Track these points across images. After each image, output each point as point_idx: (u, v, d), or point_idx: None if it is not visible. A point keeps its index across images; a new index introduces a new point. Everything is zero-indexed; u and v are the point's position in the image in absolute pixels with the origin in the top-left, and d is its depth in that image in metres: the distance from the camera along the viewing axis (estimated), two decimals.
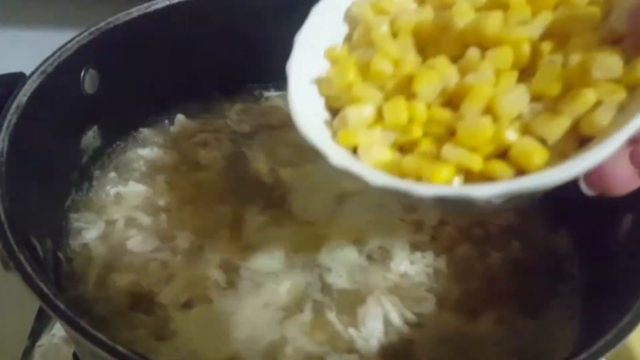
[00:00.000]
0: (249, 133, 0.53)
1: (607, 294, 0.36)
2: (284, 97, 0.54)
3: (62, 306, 0.26)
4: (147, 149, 0.51)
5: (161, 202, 0.47)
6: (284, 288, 0.41)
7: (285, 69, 0.29)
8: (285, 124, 0.54)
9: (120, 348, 0.25)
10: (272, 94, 0.57)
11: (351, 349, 0.38)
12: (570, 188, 0.44)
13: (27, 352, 0.46)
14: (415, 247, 0.44)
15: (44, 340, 0.47)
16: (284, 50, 0.29)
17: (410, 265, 0.43)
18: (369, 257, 0.43)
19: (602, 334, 0.28)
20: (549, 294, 0.42)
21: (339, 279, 0.42)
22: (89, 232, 0.44)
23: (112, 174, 0.49)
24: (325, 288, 0.41)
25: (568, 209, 0.46)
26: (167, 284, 0.41)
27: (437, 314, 0.40)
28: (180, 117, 0.54)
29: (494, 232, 0.46)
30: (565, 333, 0.38)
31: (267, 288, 0.41)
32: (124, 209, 0.46)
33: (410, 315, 0.40)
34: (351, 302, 0.41)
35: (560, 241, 0.46)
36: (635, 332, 0.46)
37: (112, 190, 0.48)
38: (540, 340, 0.39)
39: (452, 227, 0.45)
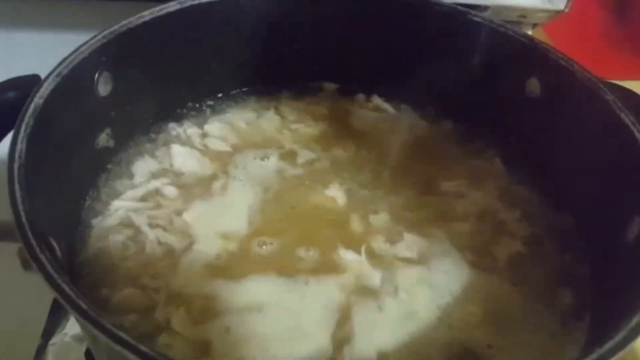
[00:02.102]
0: None
1: (616, 297, 0.36)
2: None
3: (84, 305, 0.27)
4: (160, 151, 0.51)
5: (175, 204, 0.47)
6: None
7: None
8: None
9: (142, 347, 0.25)
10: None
11: None
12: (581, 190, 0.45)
13: (40, 351, 0.47)
14: None
15: (56, 339, 0.48)
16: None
17: None
18: None
19: (610, 336, 0.29)
20: (560, 297, 0.43)
21: None
22: (103, 232, 0.45)
23: (126, 176, 0.49)
24: None
25: (579, 209, 0.46)
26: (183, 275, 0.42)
27: None
28: (191, 121, 0.54)
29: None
30: (574, 335, 0.39)
31: None
32: (138, 207, 0.47)
33: None
34: None
35: (572, 244, 0.46)
36: None
37: (126, 192, 0.48)
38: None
39: None
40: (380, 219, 0.48)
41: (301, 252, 0.44)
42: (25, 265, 0.29)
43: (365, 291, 0.42)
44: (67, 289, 0.27)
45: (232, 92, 0.57)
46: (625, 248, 0.39)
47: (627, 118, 0.41)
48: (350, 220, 0.47)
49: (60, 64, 0.41)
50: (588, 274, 0.43)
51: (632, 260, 0.38)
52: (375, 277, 0.43)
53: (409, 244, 0.45)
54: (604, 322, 0.33)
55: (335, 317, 0.40)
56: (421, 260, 0.44)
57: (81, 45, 0.43)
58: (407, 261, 0.44)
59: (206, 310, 0.40)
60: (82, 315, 0.27)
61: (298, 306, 0.41)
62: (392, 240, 0.46)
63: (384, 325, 0.40)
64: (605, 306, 0.37)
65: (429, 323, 0.40)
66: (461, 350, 0.39)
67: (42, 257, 0.29)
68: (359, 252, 0.44)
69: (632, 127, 0.41)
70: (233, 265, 0.43)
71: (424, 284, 0.43)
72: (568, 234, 0.47)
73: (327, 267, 0.43)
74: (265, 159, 0.52)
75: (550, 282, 0.44)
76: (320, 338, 0.39)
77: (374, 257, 0.44)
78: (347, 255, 0.44)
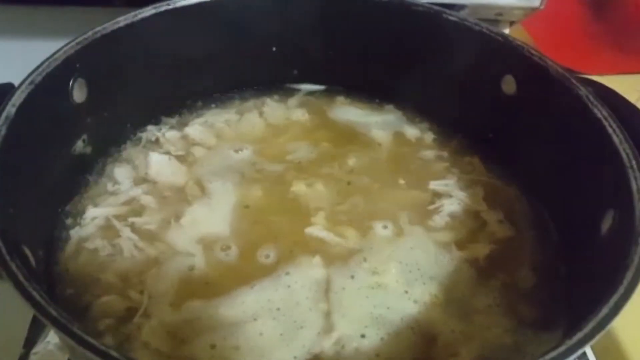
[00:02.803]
0: None
1: (589, 289, 0.37)
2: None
3: (54, 312, 0.27)
4: (138, 158, 0.51)
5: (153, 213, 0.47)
6: None
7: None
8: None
9: (113, 352, 0.25)
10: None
11: None
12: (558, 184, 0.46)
13: None
14: None
15: (39, 348, 0.47)
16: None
17: None
18: None
19: (582, 326, 0.29)
20: (534, 286, 0.43)
21: None
22: (81, 240, 0.45)
23: (105, 184, 0.49)
24: None
25: (555, 204, 0.47)
26: (159, 288, 0.41)
27: None
28: (169, 125, 0.54)
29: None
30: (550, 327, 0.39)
31: None
32: (115, 214, 0.47)
33: None
34: None
35: (547, 235, 0.47)
36: (619, 321, 0.48)
37: (104, 197, 0.48)
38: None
39: None
40: (357, 202, 0.49)
41: (268, 250, 0.45)
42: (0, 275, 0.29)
43: (339, 261, 0.44)
44: (36, 295, 0.27)
45: (213, 95, 0.58)
46: (599, 241, 0.39)
47: (599, 112, 0.42)
48: (324, 206, 0.48)
49: (33, 71, 0.41)
50: (563, 268, 0.44)
51: (605, 252, 0.38)
52: (349, 250, 0.45)
53: (384, 224, 0.47)
54: (578, 313, 0.33)
55: (322, 293, 0.42)
56: (394, 239, 0.46)
57: (55, 52, 0.43)
58: (381, 238, 0.46)
59: (190, 329, 0.39)
60: (53, 322, 0.27)
61: (287, 301, 0.41)
62: (366, 220, 0.47)
63: (354, 291, 0.42)
64: (579, 299, 0.38)
65: (396, 295, 0.42)
66: (426, 331, 0.40)
67: (12, 266, 0.29)
68: (331, 230, 0.46)
69: (604, 121, 0.41)
70: (215, 275, 0.43)
71: (394, 259, 0.44)
72: (543, 228, 0.47)
73: (302, 249, 0.45)
74: (239, 152, 0.53)
75: (523, 276, 0.44)
76: (316, 321, 0.40)
77: (346, 231, 0.46)
78: (318, 234, 0.45)
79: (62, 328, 0.26)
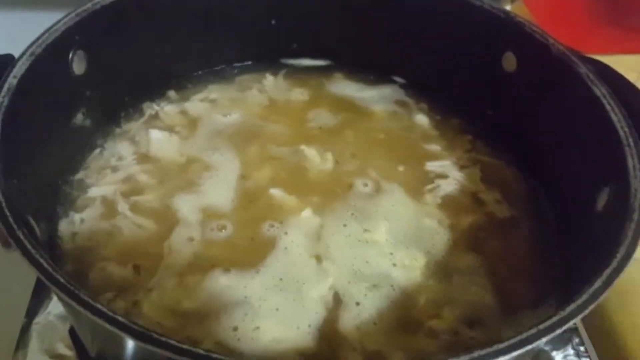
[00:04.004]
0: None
1: (582, 264, 0.37)
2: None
3: (62, 280, 0.27)
4: (138, 134, 0.51)
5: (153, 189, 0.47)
6: None
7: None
8: None
9: (120, 317, 0.26)
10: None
11: None
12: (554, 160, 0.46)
13: (24, 330, 0.47)
14: None
15: (40, 318, 0.48)
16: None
17: None
18: None
19: (575, 298, 0.30)
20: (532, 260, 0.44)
21: None
22: (82, 212, 0.45)
23: (106, 159, 0.49)
24: None
25: (552, 181, 0.48)
26: (159, 260, 0.42)
27: None
28: (169, 100, 0.54)
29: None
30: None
31: None
32: (116, 190, 0.47)
33: None
34: None
35: (543, 214, 0.48)
36: (608, 295, 0.49)
37: (105, 172, 0.48)
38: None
39: None
40: (353, 165, 0.50)
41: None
42: (4, 244, 0.29)
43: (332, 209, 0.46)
44: (45, 264, 0.28)
45: (213, 69, 0.57)
46: (595, 218, 0.40)
47: (598, 90, 0.42)
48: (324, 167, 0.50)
49: (33, 43, 0.41)
50: (558, 245, 0.44)
51: (600, 229, 0.39)
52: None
53: (374, 181, 0.49)
54: (571, 290, 0.34)
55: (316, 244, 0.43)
56: (383, 198, 0.47)
57: (55, 24, 0.43)
58: (369, 196, 0.47)
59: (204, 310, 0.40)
60: (62, 289, 0.27)
61: (287, 266, 0.42)
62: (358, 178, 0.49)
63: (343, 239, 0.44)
64: (573, 275, 0.38)
65: (379, 252, 0.43)
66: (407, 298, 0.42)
67: (20, 234, 0.29)
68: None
69: (602, 99, 0.42)
70: (217, 250, 0.44)
71: (383, 217, 0.46)
72: (540, 207, 0.48)
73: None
74: (228, 115, 0.53)
75: (518, 253, 0.45)
76: (313, 273, 0.42)
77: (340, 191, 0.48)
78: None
79: (69, 294, 0.27)
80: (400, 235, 0.45)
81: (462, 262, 0.44)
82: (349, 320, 0.40)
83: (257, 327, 0.39)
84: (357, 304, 0.41)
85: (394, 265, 0.43)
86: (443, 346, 0.39)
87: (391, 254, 0.44)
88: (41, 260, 0.28)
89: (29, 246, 0.29)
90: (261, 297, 0.40)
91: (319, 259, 0.43)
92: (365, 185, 0.49)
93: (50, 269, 0.28)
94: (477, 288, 0.43)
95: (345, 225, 0.45)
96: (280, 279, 0.41)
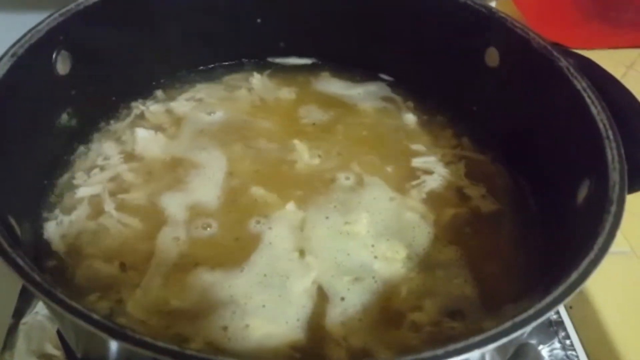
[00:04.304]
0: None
1: (562, 256, 0.38)
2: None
3: (38, 278, 0.27)
4: (124, 133, 0.51)
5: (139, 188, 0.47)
6: None
7: None
8: None
9: (96, 316, 0.26)
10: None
11: None
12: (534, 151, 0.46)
13: (12, 330, 0.47)
14: None
15: (27, 318, 0.48)
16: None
17: None
18: None
19: (551, 290, 0.30)
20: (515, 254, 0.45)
21: None
22: (68, 212, 0.45)
23: (92, 159, 0.49)
24: None
25: (534, 175, 0.48)
26: (146, 258, 0.42)
27: None
28: (155, 99, 0.55)
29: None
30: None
31: None
32: (103, 189, 0.47)
33: None
34: None
35: (527, 208, 0.48)
36: (594, 287, 0.49)
37: (91, 172, 0.48)
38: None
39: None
40: (337, 160, 0.51)
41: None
42: None
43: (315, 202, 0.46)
44: (21, 262, 0.28)
45: (198, 68, 0.58)
46: (575, 210, 0.40)
47: (579, 84, 0.42)
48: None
49: (15, 43, 0.41)
50: (541, 239, 0.45)
51: (581, 221, 0.39)
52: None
53: (357, 175, 0.49)
54: (552, 277, 0.34)
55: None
56: (366, 192, 0.48)
57: (37, 24, 0.43)
58: (351, 189, 0.48)
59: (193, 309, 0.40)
60: (38, 289, 0.27)
61: (270, 260, 0.42)
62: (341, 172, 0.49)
63: (325, 231, 0.44)
64: (553, 267, 0.39)
65: (360, 244, 0.44)
66: (389, 290, 0.42)
67: None
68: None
69: (583, 92, 0.42)
70: (203, 249, 0.44)
71: (364, 210, 0.46)
72: (523, 201, 0.48)
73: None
74: (214, 114, 0.53)
75: (502, 246, 0.46)
76: (296, 267, 0.42)
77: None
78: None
79: (47, 294, 0.27)
80: (381, 228, 0.45)
81: (444, 255, 0.45)
82: (335, 316, 0.40)
83: (247, 325, 0.39)
84: (342, 299, 0.41)
85: (375, 257, 0.44)
86: (425, 339, 0.39)
87: (372, 245, 0.44)
88: (18, 259, 0.28)
89: (5, 245, 0.29)
90: (247, 295, 0.40)
91: (302, 252, 0.43)
92: (347, 178, 0.49)
93: (27, 268, 0.28)
94: (459, 281, 0.43)
95: (327, 218, 0.46)
96: (265, 275, 0.42)
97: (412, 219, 0.46)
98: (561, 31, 0.79)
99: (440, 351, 0.27)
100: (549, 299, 0.29)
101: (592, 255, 0.32)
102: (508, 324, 0.28)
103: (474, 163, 0.52)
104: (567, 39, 0.75)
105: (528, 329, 0.29)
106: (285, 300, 0.40)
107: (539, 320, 0.29)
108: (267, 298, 0.40)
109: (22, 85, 0.41)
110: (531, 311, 0.29)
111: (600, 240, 0.33)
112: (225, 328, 0.39)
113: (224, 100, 0.55)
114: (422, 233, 0.46)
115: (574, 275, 0.31)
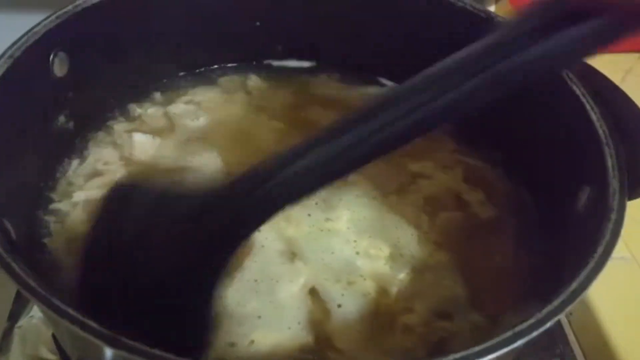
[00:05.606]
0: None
1: (562, 264, 0.37)
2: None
3: (32, 283, 0.27)
4: (121, 137, 0.51)
5: None
6: None
7: None
8: None
9: (91, 323, 0.25)
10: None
11: None
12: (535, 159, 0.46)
13: (7, 334, 0.47)
14: None
15: (23, 322, 0.48)
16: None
17: None
18: None
19: (551, 299, 0.30)
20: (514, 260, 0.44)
21: None
22: (66, 215, 0.45)
23: (90, 163, 0.49)
24: None
25: (533, 181, 0.48)
26: None
27: None
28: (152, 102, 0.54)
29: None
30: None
31: None
32: (99, 194, 0.46)
33: None
34: None
35: (526, 214, 0.48)
36: (599, 296, 0.49)
37: (88, 176, 0.48)
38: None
39: None
40: None
41: None
42: None
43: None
44: (16, 267, 0.28)
45: (195, 71, 0.57)
46: (575, 218, 0.40)
47: (578, 89, 0.42)
48: None
49: (12, 45, 0.41)
50: (540, 246, 0.44)
51: (580, 229, 0.39)
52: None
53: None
54: (551, 287, 0.34)
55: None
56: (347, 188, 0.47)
57: (34, 26, 0.43)
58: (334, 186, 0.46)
59: None
60: (32, 292, 0.27)
61: (261, 266, 0.42)
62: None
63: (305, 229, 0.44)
64: (553, 275, 0.38)
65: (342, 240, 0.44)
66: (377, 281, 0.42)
67: None
68: None
69: (582, 98, 0.42)
70: None
71: (346, 208, 0.46)
72: (523, 208, 0.48)
73: None
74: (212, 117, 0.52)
75: (500, 252, 0.45)
76: (286, 270, 0.42)
77: None
78: None
79: (42, 299, 0.27)
80: (363, 226, 0.45)
81: (434, 258, 0.44)
82: (334, 325, 0.40)
83: (252, 341, 0.38)
84: (339, 305, 0.41)
85: (357, 253, 0.43)
86: (417, 340, 0.39)
87: (355, 241, 0.44)
88: (12, 263, 0.28)
89: (0, 249, 0.28)
90: (239, 304, 0.40)
91: (291, 254, 0.43)
92: None
93: (21, 273, 0.27)
94: (449, 282, 0.43)
95: (309, 215, 0.45)
96: (255, 280, 0.41)
97: (395, 219, 0.46)
98: None
99: None
100: (550, 307, 0.29)
101: (592, 264, 0.32)
102: (508, 334, 0.28)
103: (472, 168, 0.51)
104: None
105: (529, 338, 0.29)
106: (279, 305, 0.40)
107: (541, 329, 0.29)
108: (260, 306, 0.40)
109: (19, 87, 0.41)
110: (532, 320, 0.29)
111: (600, 249, 0.33)
112: (232, 344, 0.38)
113: (222, 103, 0.55)
114: (407, 234, 0.45)
115: (575, 283, 0.30)
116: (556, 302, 0.30)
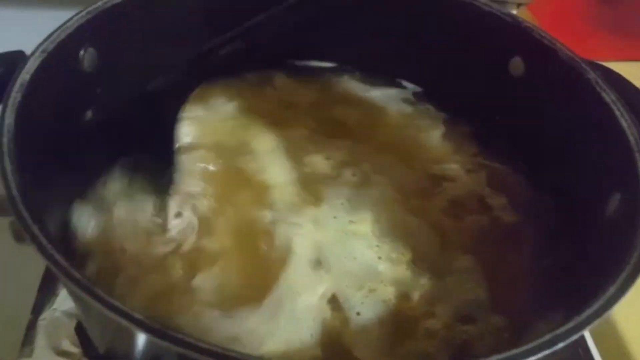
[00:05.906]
0: None
1: (588, 270, 0.37)
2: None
3: (77, 275, 0.27)
4: None
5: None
6: None
7: None
8: None
9: (136, 315, 0.26)
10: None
11: None
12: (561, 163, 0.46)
13: (31, 326, 0.47)
14: None
15: (46, 314, 0.48)
16: None
17: None
18: None
19: (585, 307, 0.30)
20: (534, 267, 0.44)
21: None
22: (99, 216, 0.45)
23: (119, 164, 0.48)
24: None
25: (561, 188, 0.48)
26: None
27: None
28: None
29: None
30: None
31: None
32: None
33: None
34: None
35: (550, 220, 0.47)
36: (619, 307, 0.49)
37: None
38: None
39: None
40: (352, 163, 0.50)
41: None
42: (18, 238, 0.29)
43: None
44: (59, 258, 0.28)
45: (221, 70, 0.57)
46: (602, 226, 0.40)
47: (607, 96, 0.42)
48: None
49: (45, 39, 0.41)
50: (564, 253, 0.44)
51: (609, 237, 0.39)
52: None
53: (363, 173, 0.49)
54: (578, 297, 0.34)
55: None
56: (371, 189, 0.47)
57: (66, 22, 0.43)
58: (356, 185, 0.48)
59: None
60: (75, 283, 0.27)
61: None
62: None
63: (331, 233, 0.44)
64: (579, 284, 0.38)
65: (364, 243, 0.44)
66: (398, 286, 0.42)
67: (35, 228, 0.29)
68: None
69: (612, 105, 0.42)
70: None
71: (370, 210, 0.46)
72: (547, 213, 0.47)
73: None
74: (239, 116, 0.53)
75: (522, 258, 0.45)
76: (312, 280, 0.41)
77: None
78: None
79: (87, 290, 0.27)
80: (385, 229, 0.45)
81: (458, 262, 0.44)
82: (353, 334, 0.40)
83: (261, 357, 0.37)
84: (358, 313, 0.40)
85: (379, 258, 0.43)
86: (439, 345, 0.39)
87: (377, 246, 0.44)
88: (55, 254, 0.28)
89: (43, 240, 0.29)
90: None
91: (316, 262, 0.42)
92: (354, 175, 0.49)
93: (64, 263, 0.28)
94: (471, 286, 0.43)
95: (335, 217, 0.45)
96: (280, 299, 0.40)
97: (417, 222, 0.46)
98: (578, 42, 0.79)
99: None
100: (582, 316, 0.29)
101: (629, 269, 0.31)
102: (546, 338, 0.28)
103: (495, 172, 0.52)
104: (583, 50, 0.75)
105: (553, 349, 0.29)
106: (293, 318, 0.39)
107: (574, 337, 0.29)
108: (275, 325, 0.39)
109: (51, 81, 0.41)
110: (562, 330, 0.28)
111: (635, 257, 0.32)
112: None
113: (248, 101, 0.55)
114: (429, 237, 0.45)
115: (611, 290, 0.30)
116: (589, 312, 0.29)
